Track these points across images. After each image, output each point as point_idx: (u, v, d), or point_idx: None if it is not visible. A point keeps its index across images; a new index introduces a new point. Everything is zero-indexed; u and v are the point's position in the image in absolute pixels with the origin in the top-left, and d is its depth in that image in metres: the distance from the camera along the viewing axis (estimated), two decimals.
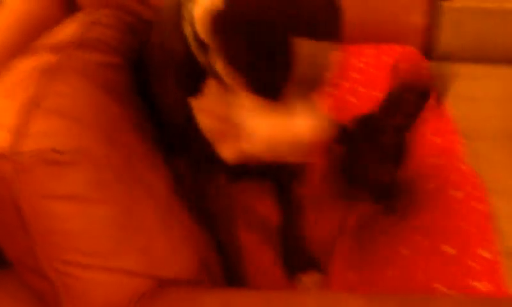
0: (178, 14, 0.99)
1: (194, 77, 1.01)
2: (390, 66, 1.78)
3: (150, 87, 1.19)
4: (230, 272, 1.27)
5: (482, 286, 1.18)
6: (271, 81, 0.83)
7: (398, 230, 1.32)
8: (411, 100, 1.30)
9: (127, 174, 1.02)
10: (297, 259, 1.34)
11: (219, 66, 0.92)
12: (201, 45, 0.94)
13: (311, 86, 0.85)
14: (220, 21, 0.86)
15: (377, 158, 1.34)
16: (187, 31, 0.96)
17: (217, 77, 0.95)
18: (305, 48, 0.80)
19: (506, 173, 2.26)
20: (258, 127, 0.89)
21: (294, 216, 1.34)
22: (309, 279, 1.33)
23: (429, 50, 2.13)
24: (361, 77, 1.80)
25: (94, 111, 1.02)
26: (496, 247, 1.30)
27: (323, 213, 1.42)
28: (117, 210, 0.96)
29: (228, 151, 1.07)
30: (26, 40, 1.18)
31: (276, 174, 1.35)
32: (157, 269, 1.02)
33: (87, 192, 0.92)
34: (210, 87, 1.01)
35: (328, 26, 0.85)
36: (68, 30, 1.18)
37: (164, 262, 1.05)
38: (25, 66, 1.04)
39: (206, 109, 1.04)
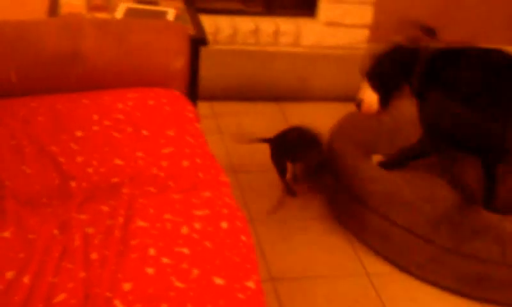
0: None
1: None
2: (155, 108, 1.89)
3: None
4: None
5: None
6: None
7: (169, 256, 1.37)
8: None
9: None
10: None
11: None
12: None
13: None
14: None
15: None
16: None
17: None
18: None
19: (268, 202, 2.49)
20: None
21: None
22: None
23: (192, 92, 2.28)
24: (126, 117, 1.84)
25: None
26: (259, 277, 1.40)
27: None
28: None
29: None
30: None
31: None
32: None
33: None
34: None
35: None
36: None
37: None
38: None
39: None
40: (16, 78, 1.90)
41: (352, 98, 3.15)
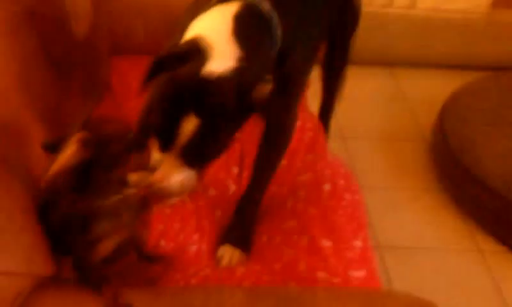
0: None
1: None
2: None
3: None
4: None
5: (359, 274, 1.28)
6: None
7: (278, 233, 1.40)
8: None
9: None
10: None
11: None
12: None
13: None
14: None
15: None
16: None
17: None
18: None
19: (377, 170, 2.41)
20: None
21: None
22: None
23: None
24: None
25: None
26: (366, 234, 1.41)
27: None
28: None
29: None
30: None
31: None
32: (38, 267, 0.99)
33: None
34: None
35: None
36: None
37: (45, 260, 1.02)
38: None
39: None
40: (143, 37, 1.92)
41: (471, 66, 3.00)
